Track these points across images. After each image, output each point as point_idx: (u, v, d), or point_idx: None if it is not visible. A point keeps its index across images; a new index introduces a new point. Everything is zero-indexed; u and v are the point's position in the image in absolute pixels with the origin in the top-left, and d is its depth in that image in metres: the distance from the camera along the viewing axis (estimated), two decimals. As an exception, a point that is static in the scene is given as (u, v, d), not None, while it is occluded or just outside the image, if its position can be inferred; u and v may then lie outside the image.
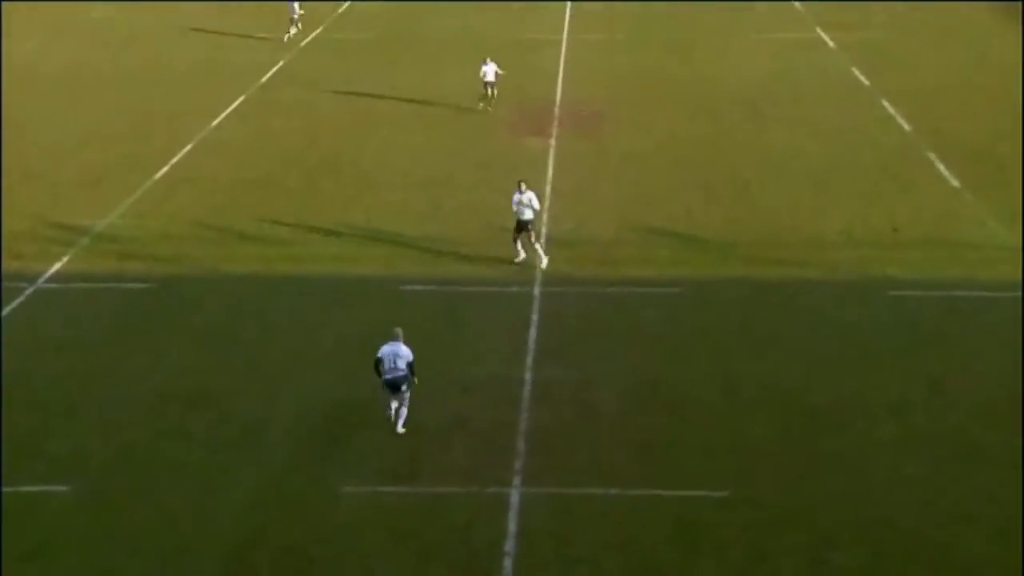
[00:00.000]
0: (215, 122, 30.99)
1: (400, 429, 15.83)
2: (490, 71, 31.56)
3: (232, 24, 43.86)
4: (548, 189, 25.51)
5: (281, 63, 37.49)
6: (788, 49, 39.41)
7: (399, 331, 15.88)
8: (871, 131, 29.65)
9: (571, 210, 24.36)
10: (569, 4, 50.82)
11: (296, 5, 39.07)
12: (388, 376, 15.60)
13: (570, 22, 45.62)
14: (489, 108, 31.41)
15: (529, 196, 21.26)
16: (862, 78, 34.96)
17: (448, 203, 24.81)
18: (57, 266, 21.71)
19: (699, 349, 18.58)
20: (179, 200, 25.15)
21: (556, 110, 32.18)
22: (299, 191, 25.79)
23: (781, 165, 27.26)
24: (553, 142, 29.06)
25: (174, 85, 34.67)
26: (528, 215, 21.19)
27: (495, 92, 31.53)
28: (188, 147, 28.71)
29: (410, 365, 15.67)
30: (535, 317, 19.60)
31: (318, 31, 43.41)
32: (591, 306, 20.04)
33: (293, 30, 37.67)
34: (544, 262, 21.19)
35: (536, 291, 20.62)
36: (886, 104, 31.97)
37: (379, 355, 15.70)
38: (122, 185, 25.92)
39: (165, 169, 27.07)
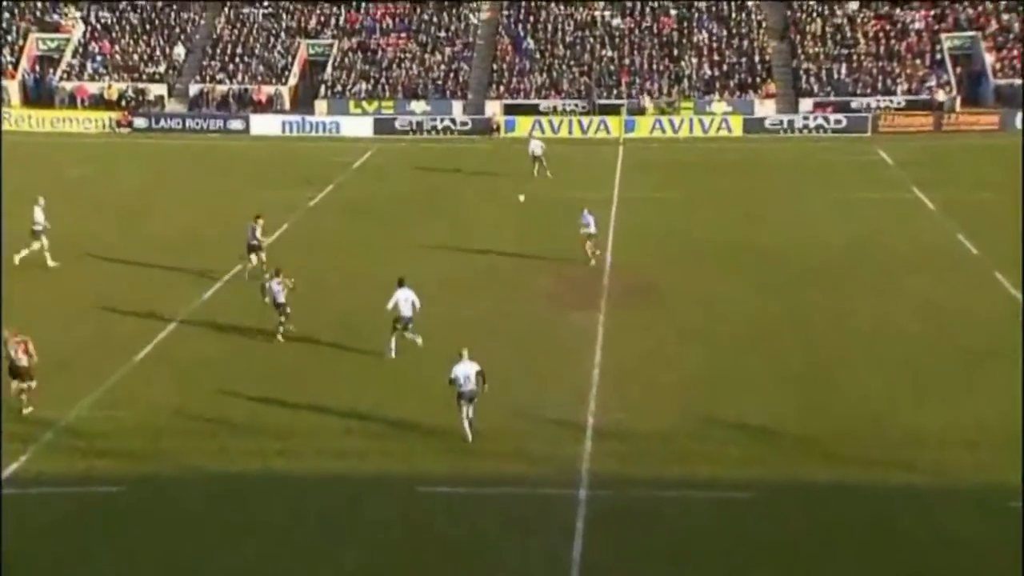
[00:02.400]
0: (206, 295, 31.40)
1: (470, 438, 21.84)
2: (536, 145, 41.68)
3: (225, 186, 45.28)
4: (596, 372, 25.53)
5: (285, 226, 38.33)
6: (878, 211, 39.70)
7: (465, 351, 22.27)
8: (981, 308, 29.31)
9: (622, 396, 24.30)
10: (621, 150, 52.21)
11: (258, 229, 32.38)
12: (464, 389, 22.13)
13: (621, 175, 46.62)
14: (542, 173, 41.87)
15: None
16: (970, 246, 34.86)
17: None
18: (13, 467, 21.42)
19: (775, 570, 18.03)
20: (159, 386, 25.15)
21: (605, 279, 32.59)
22: (301, 371, 25.86)
23: (871, 346, 27.06)
24: (602, 316, 29.28)
25: (156, 254, 35.08)
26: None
27: (545, 165, 40.25)
28: (172, 325, 28.92)
29: (480, 374, 22.23)
30: (580, 525, 19.25)
31: (329, 188, 44.85)
32: (646, 513, 19.65)
33: (253, 259, 32.07)
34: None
35: (581, 494, 20.30)
36: (999, 277, 31.63)
37: (452, 375, 22.16)
38: (92, 370, 25.85)
39: (146, 350, 27.14)
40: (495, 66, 63.49)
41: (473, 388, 22.20)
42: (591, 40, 64.34)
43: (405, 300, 26.29)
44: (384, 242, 36.84)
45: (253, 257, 32.07)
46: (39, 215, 33.81)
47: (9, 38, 67.09)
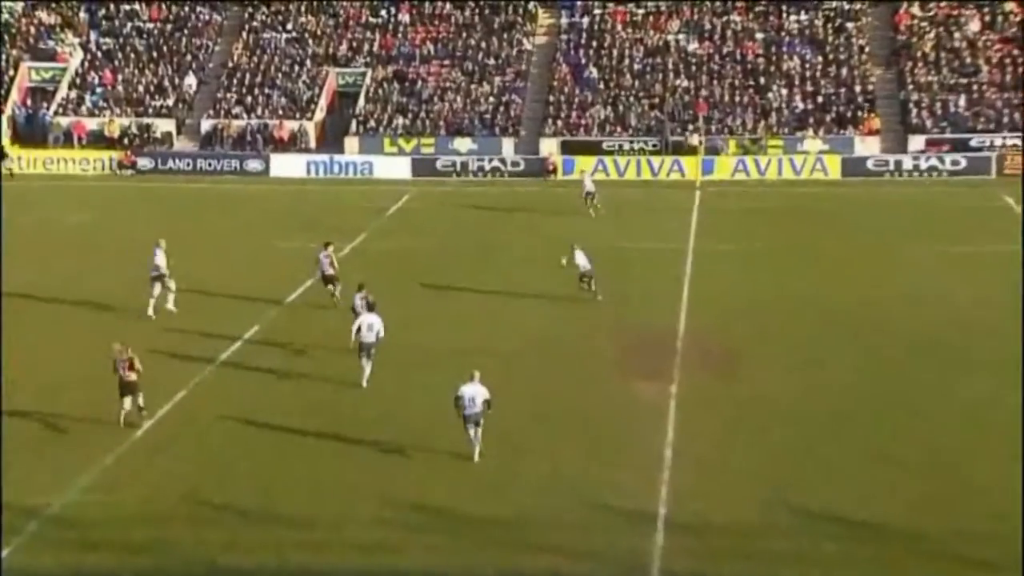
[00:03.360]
0: (223, 355, 31.64)
1: (477, 457, 24.78)
2: (588, 181, 49.12)
3: (240, 236, 45.71)
4: (668, 452, 25.45)
5: (308, 282, 38.40)
6: (1002, 268, 39.22)
7: (477, 374, 24.94)
8: None
9: (699, 482, 24.15)
10: (697, 195, 52.21)
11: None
12: (468, 412, 24.67)
13: (698, 224, 46.59)
14: (595, 210, 48.60)
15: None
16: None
17: (528, 472, 24.74)
18: (-7, 561, 21.27)
19: None
20: (163, 464, 25.20)
21: (679, 344, 32.62)
22: (326, 452, 25.88)
23: (992, 429, 26.68)
24: (674, 387, 29.27)
25: (161, 314, 35.29)
26: None
27: (596, 201, 47.63)
28: (181, 393, 29.08)
29: (487, 402, 24.71)
30: (648, 635, 19.17)
31: (359, 239, 45.26)
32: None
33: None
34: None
35: (650, 598, 20.22)
36: None
37: (459, 394, 24.73)
38: (87, 447, 25.79)
39: (148, 424, 27.19)
40: (551, 98, 63.90)
41: (478, 412, 24.76)
42: (663, 68, 64.61)
43: (369, 327, 29.02)
44: (421, 303, 36.99)
45: (330, 287, 35.49)
46: (160, 259, 35.13)
47: (-2, 67, 68.61)
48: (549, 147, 61.22)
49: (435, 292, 38.17)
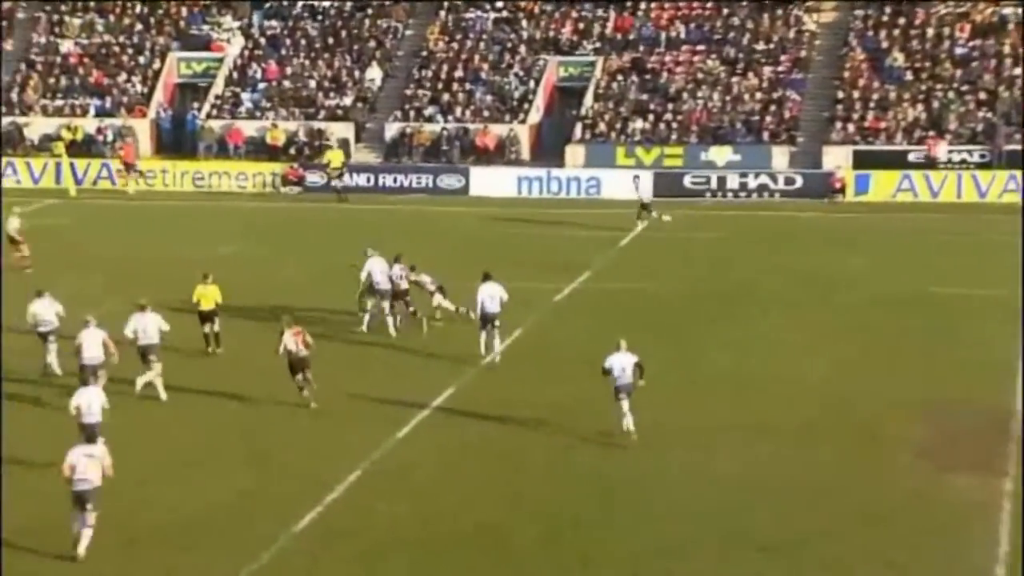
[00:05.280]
0: (396, 434, 31.81)
1: (625, 429, 29.98)
2: (641, 188, 54.39)
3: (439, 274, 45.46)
4: (999, 571, 24.71)
5: (518, 332, 38.69)
6: None
7: (624, 342, 30.20)
8: None
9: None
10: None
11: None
12: (620, 382, 29.80)
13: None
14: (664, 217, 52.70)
15: None
16: None
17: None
18: None
19: None
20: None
21: (1014, 426, 31.91)
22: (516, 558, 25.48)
23: None
24: (1008, 483, 28.62)
25: (338, 370, 35.41)
26: None
27: (658, 214, 52.00)
28: (352, 475, 29.12)
29: (638, 367, 30.10)
30: None
31: (583, 277, 45.58)
32: None
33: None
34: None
35: None
36: None
37: (608, 365, 29.98)
38: (232, 542, 26.32)
39: (310, 515, 27.31)
40: (840, 94, 63.12)
41: (629, 381, 29.83)
42: (997, 53, 63.05)
43: (491, 296, 35.68)
44: (659, 363, 35.91)
45: (396, 304, 39.03)
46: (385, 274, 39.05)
47: (141, 59, 70.45)
48: (836, 158, 60.48)
49: (677, 348, 37.86)
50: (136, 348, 33.84)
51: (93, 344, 32.96)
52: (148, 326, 33.69)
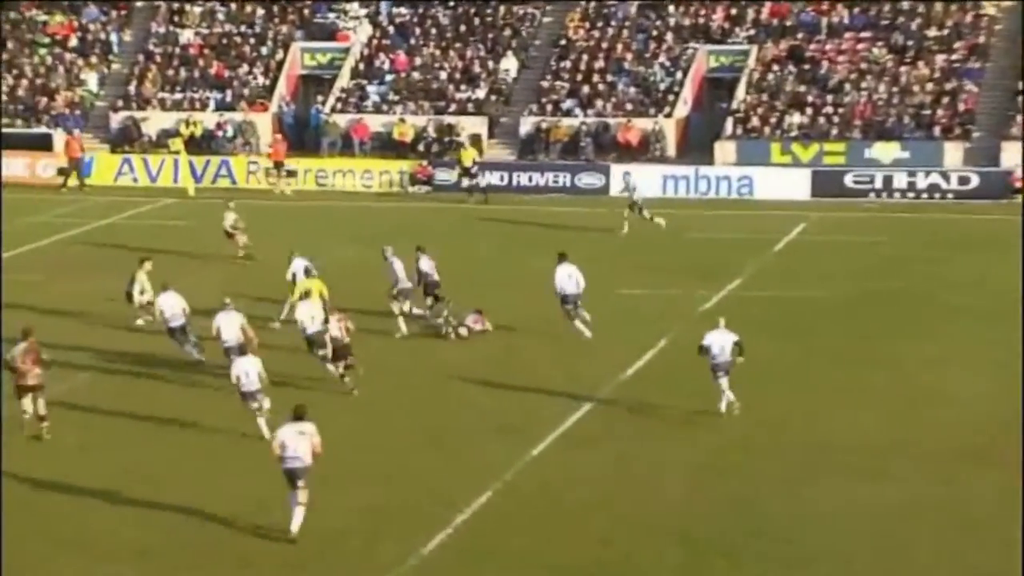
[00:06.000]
0: (531, 451, 32.03)
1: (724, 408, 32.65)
2: (631, 183, 54.35)
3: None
4: None
5: (662, 342, 38.98)
6: None
7: (722, 320, 33.38)
8: None
9: None
10: None
11: None
12: (718, 360, 32.45)
13: None
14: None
15: None
16: None
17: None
18: None
19: None
20: None
21: None
22: None
23: None
24: None
25: (461, 386, 36.13)
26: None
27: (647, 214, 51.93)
28: (483, 496, 29.49)
29: (737, 345, 32.68)
30: None
31: (734, 285, 45.47)
32: None
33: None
34: None
35: None
36: None
37: (705, 343, 32.68)
38: (361, 559, 26.56)
39: (439, 537, 27.61)
40: (1021, 85, 62.49)
41: (728, 360, 32.46)
42: None
43: (568, 276, 38.69)
44: (822, 380, 36.64)
45: (429, 301, 40.69)
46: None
47: (263, 49, 71.47)
48: (1015, 155, 59.67)
49: (841, 363, 37.78)
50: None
51: (229, 326, 35.65)
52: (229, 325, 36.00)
